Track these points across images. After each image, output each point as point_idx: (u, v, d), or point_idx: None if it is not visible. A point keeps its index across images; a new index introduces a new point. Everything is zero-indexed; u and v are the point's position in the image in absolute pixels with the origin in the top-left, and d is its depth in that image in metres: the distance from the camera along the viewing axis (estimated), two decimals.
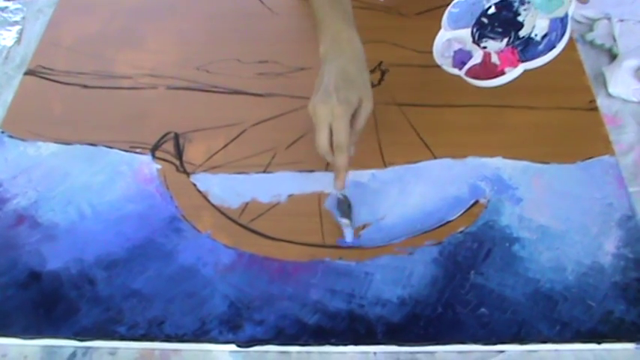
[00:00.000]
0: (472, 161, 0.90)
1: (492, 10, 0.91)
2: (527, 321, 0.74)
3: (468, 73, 0.89)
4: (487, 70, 0.88)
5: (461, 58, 0.91)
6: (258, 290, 0.78)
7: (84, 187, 0.89)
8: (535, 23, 0.87)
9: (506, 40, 0.88)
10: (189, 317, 0.76)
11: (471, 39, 0.91)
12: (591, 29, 1.08)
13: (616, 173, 0.87)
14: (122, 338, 0.75)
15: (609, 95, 0.98)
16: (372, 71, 0.99)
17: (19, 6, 1.19)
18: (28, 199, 0.88)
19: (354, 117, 0.81)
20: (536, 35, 0.86)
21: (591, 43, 1.06)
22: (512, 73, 0.86)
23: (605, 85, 0.99)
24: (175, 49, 1.08)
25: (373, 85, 0.96)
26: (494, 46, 0.89)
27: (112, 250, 0.83)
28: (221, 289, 0.78)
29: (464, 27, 0.92)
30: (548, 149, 0.90)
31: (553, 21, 0.85)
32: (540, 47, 0.85)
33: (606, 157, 0.89)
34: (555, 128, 0.93)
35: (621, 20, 1.07)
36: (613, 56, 1.03)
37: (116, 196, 0.88)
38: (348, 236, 0.82)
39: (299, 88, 0.99)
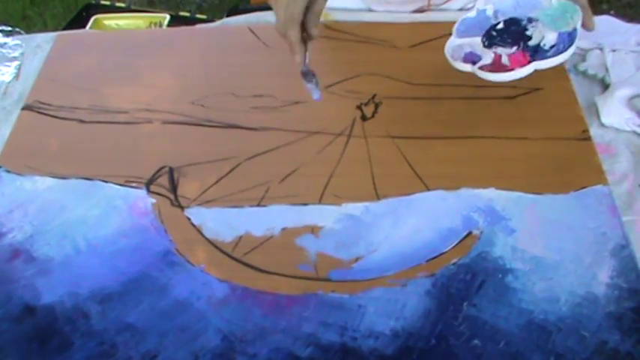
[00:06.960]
0: (465, 193, 0.90)
1: (501, 26, 0.94)
2: (521, 352, 0.74)
3: (480, 69, 0.91)
4: (498, 69, 0.90)
5: (472, 58, 0.93)
6: (251, 324, 0.78)
7: (79, 222, 0.90)
8: (544, 35, 0.90)
9: (516, 47, 0.91)
10: (182, 351, 0.76)
11: (481, 45, 0.94)
12: (584, 59, 1.08)
13: (609, 203, 0.87)
14: None
15: (602, 125, 0.98)
16: (365, 104, 1.00)
17: (18, 42, 1.21)
18: (23, 233, 0.89)
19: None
20: (544, 45, 0.89)
21: (584, 74, 1.06)
22: (523, 70, 0.88)
23: (597, 114, 0.99)
24: (171, 83, 1.09)
25: (367, 119, 0.98)
26: (505, 51, 0.92)
27: (106, 283, 0.83)
28: (214, 323, 0.78)
29: (473, 36, 0.95)
30: (542, 180, 0.90)
31: (561, 34, 0.89)
32: (549, 54, 0.88)
33: (599, 187, 0.89)
34: (548, 159, 0.93)
35: (613, 50, 1.07)
36: (605, 86, 1.04)
37: (111, 231, 0.89)
38: (315, 94, 0.92)
39: (293, 121, 1.00)
